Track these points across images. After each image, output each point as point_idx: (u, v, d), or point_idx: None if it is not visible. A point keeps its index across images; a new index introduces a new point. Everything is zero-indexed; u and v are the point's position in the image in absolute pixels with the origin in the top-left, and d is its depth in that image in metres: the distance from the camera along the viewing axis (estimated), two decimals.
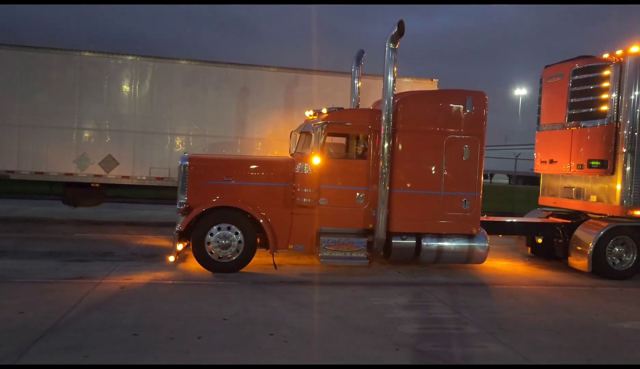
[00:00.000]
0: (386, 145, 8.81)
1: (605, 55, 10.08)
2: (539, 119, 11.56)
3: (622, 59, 9.77)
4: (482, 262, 9.64)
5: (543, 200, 11.96)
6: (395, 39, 8.72)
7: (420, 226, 9.22)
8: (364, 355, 5.30)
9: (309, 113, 10.24)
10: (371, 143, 9.12)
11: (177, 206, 8.85)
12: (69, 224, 13.09)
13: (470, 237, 9.39)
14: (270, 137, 13.52)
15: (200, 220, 8.65)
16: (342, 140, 10.08)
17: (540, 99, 11.55)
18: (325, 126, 8.83)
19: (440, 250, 9.32)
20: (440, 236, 9.31)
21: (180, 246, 8.65)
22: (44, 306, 6.30)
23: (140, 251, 10.04)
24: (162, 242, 10.93)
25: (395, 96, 8.81)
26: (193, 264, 8.74)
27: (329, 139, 9.23)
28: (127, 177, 12.73)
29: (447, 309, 7.21)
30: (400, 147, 9.02)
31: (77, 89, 12.52)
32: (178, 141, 13.13)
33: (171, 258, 8.58)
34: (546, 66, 11.52)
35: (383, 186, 8.88)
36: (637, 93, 9.61)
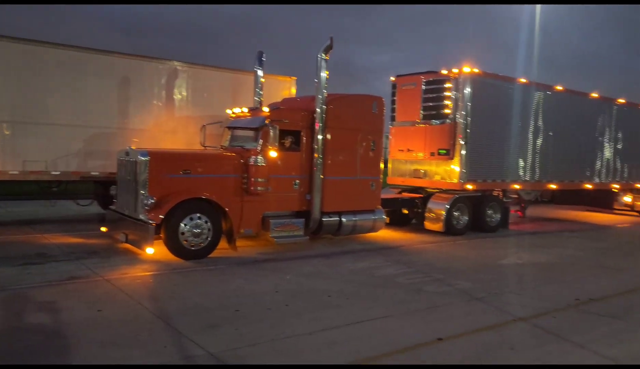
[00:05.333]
0: (320, 139, 10.60)
1: (446, 72, 13.63)
2: (393, 117, 14.70)
3: (458, 75, 13.43)
4: (378, 231, 12.24)
5: (392, 180, 15.23)
6: (327, 50, 10.53)
7: (343, 205, 11.30)
8: (366, 282, 7.23)
9: (238, 110, 11.24)
10: (304, 138, 10.76)
11: (142, 200, 9.05)
12: None
13: (373, 212, 11.88)
14: (153, 129, 13.62)
15: (173, 212, 9.08)
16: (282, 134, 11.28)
17: (394, 100, 14.67)
18: (277, 124, 10.10)
19: (355, 224, 11.57)
20: (354, 213, 11.55)
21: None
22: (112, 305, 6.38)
23: (73, 249, 9.62)
24: (76, 239, 10.55)
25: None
26: (158, 254, 9.05)
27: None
28: None
29: (399, 266, 9.53)
30: (329, 141, 10.89)
31: None
32: (57, 132, 12.25)
33: (150, 251, 8.84)
34: (397, 75, 14.70)
35: (318, 174, 10.67)
36: (468, 102, 13.38)
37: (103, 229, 10.52)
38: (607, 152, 17.87)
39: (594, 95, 17.29)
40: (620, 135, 18.22)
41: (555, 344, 5.71)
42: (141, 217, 9.11)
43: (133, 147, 9.97)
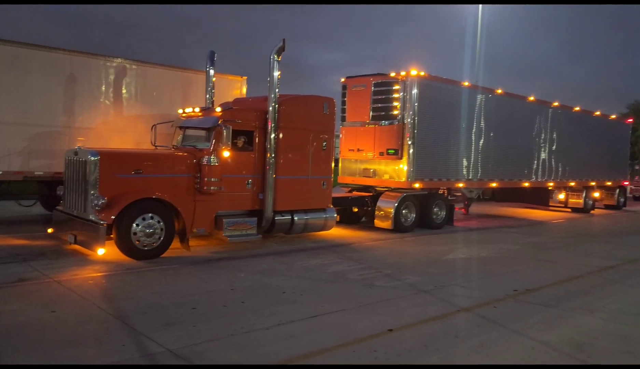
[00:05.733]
0: (272, 139, 10.78)
1: (394, 74, 14.10)
2: (344, 117, 15.04)
3: (406, 78, 13.93)
4: (330, 229, 12.54)
5: (342, 179, 15.60)
6: (279, 52, 10.72)
7: (295, 204, 11.51)
8: (319, 278, 7.52)
9: (189, 110, 11.24)
10: (257, 138, 10.90)
11: (93, 200, 8.94)
12: None
13: (324, 210, 12.17)
14: (100, 127, 13.36)
15: (124, 212, 9.02)
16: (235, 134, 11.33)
17: (344, 101, 15.02)
18: (230, 124, 10.18)
19: (306, 222, 11.82)
20: (306, 211, 11.79)
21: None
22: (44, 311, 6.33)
23: (19, 251, 9.35)
24: (21, 241, 10.27)
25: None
26: (109, 255, 8.98)
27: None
28: None
29: (351, 262, 9.84)
30: (282, 141, 11.07)
31: None
32: None
33: (101, 251, 8.75)
34: (347, 77, 15.06)
35: (270, 173, 10.85)
36: (415, 103, 13.90)
37: (49, 230, 10.28)
38: (543, 153, 18.95)
39: (531, 98, 18.30)
40: (555, 136, 19.36)
41: (495, 332, 6.15)
42: (91, 217, 9.00)
43: (81, 146, 9.80)
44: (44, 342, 5.18)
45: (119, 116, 13.60)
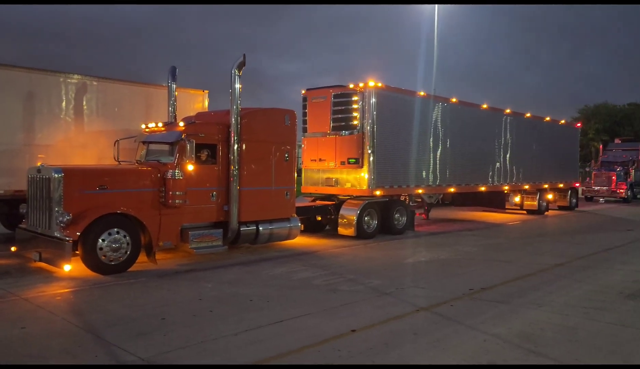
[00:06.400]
0: (236, 151, 11.03)
1: (353, 85, 14.56)
2: (305, 128, 15.40)
3: (364, 89, 14.42)
4: (294, 238, 12.82)
5: (305, 189, 15.92)
6: (240, 67, 11.01)
7: (260, 215, 11.76)
8: (285, 286, 7.83)
9: (152, 125, 11.38)
10: (220, 151, 11.13)
11: (58, 217, 8.98)
12: None
13: (289, 220, 12.46)
14: (61, 144, 13.29)
15: (90, 228, 9.09)
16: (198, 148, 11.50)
17: (305, 112, 15.39)
18: (193, 138, 10.38)
19: (271, 232, 12.07)
20: (270, 221, 12.05)
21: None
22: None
23: None
24: None
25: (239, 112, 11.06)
26: (75, 271, 9.02)
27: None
28: None
29: (315, 269, 10.14)
30: (245, 153, 11.33)
31: None
32: None
33: (67, 267, 8.79)
34: (307, 89, 15.45)
35: (234, 185, 11.08)
36: (374, 112, 14.39)
37: (13, 248, 10.22)
38: (498, 158, 19.78)
39: (485, 106, 19.12)
40: (509, 142, 20.24)
41: (451, 328, 6.57)
42: (56, 234, 9.03)
43: (45, 164, 9.82)
44: (16, 356, 5.28)
45: (80, 133, 13.57)
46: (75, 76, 13.47)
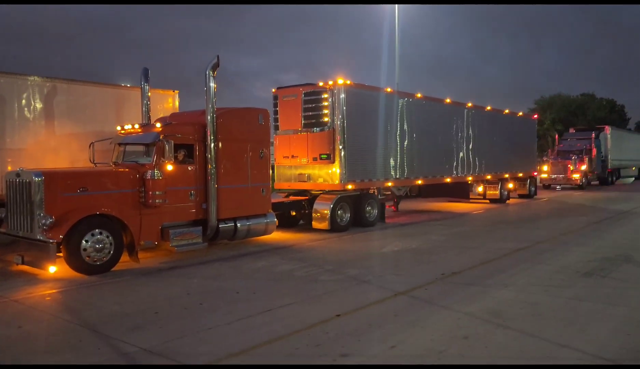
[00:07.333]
0: (212, 151, 11.33)
1: (322, 83, 15.01)
2: (277, 126, 15.77)
3: (333, 87, 14.88)
4: (271, 233, 13.21)
5: (279, 185, 16.30)
6: (214, 68, 11.30)
7: (237, 211, 12.09)
8: (267, 278, 8.26)
9: (128, 126, 11.55)
10: (197, 150, 11.40)
11: (40, 220, 9.12)
12: None
13: (265, 215, 12.83)
14: (32, 148, 13.25)
15: (73, 229, 9.25)
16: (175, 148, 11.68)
17: (276, 110, 15.75)
18: (170, 139, 10.63)
19: (249, 228, 12.42)
20: (248, 218, 12.40)
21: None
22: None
23: None
24: None
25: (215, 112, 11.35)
26: (60, 273, 9.18)
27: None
28: None
29: (295, 262, 10.56)
30: (221, 152, 11.63)
31: None
32: None
33: (53, 269, 8.95)
34: (278, 87, 15.82)
35: (212, 184, 11.39)
36: (344, 108, 14.87)
37: None
38: (462, 150, 20.60)
39: (448, 100, 19.88)
40: (471, 134, 21.09)
41: (427, 308, 7.13)
42: (39, 237, 9.16)
43: (24, 168, 9.90)
44: (24, 352, 5.53)
45: (51, 136, 13.53)
46: (45, 79, 13.43)
